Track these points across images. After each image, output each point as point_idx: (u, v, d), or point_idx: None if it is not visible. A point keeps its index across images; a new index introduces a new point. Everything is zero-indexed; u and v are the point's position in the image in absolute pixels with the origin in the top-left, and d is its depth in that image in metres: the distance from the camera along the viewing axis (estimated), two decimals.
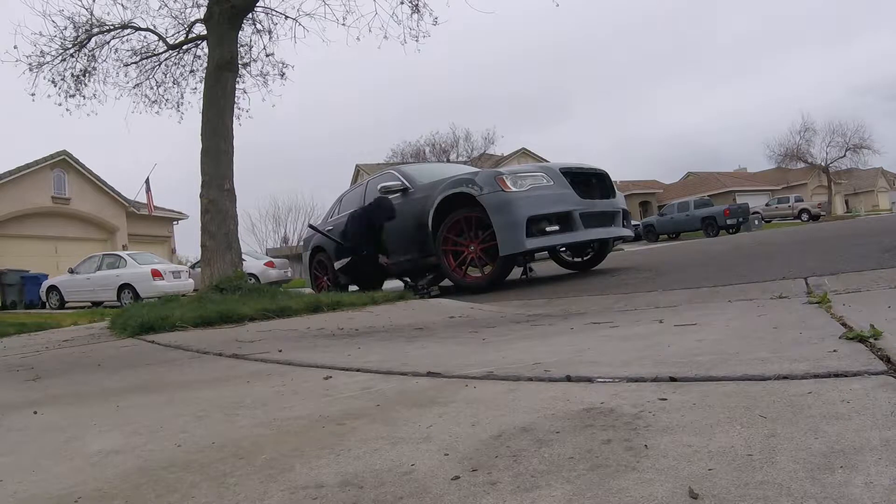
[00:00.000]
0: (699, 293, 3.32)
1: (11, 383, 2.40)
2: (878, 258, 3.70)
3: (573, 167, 5.77)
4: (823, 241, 6.51)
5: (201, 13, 8.42)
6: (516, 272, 6.34)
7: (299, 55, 34.24)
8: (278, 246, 42.75)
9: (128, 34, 9.19)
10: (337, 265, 6.94)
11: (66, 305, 16.01)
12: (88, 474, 1.08)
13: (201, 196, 6.62)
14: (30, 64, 8.90)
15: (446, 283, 6.88)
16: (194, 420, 1.42)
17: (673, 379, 1.31)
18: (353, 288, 7.59)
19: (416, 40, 8.90)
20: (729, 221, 26.28)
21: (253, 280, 12.31)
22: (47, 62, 8.95)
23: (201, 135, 6.77)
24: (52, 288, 16.34)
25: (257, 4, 8.06)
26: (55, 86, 9.07)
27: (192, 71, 9.78)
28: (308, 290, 7.38)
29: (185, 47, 9.43)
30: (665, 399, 1.16)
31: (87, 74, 9.19)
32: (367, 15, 11.62)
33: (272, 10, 9.49)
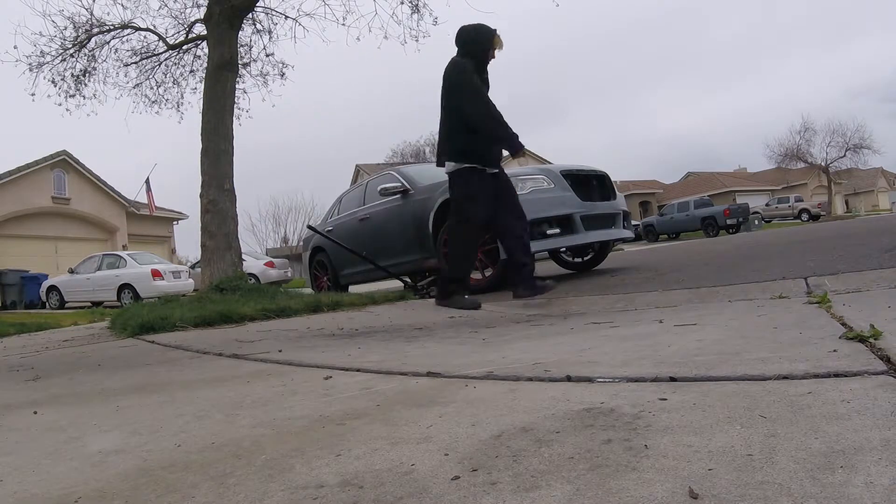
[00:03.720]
0: (699, 293, 3.32)
1: (11, 383, 2.40)
2: (878, 258, 3.70)
3: (573, 169, 5.77)
4: (823, 241, 6.51)
5: (201, 13, 8.43)
6: None
7: (299, 55, 34.25)
8: (278, 246, 42.76)
9: (128, 34, 9.21)
10: None
11: (66, 305, 16.01)
12: (88, 474, 1.08)
13: (201, 196, 6.62)
14: (30, 64, 8.93)
15: None
16: (194, 420, 1.43)
17: (673, 379, 1.31)
18: (353, 288, 7.59)
19: (416, 40, 8.92)
20: (729, 221, 26.28)
21: (253, 280, 12.31)
22: (47, 62, 8.97)
23: (201, 135, 6.77)
24: (52, 288, 16.34)
25: (257, 4, 8.07)
26: (55, 86, 9.10)
27: (192, 71, 9.80)
28: (308, 290, 7.38)
29: (185, 47, 9.44)
30: (665, 399, 1.16)
31: (87, 74, 9.20)
32: (367, 15, 11.63)
33: (272, 10, 9.51)
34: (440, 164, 4.12)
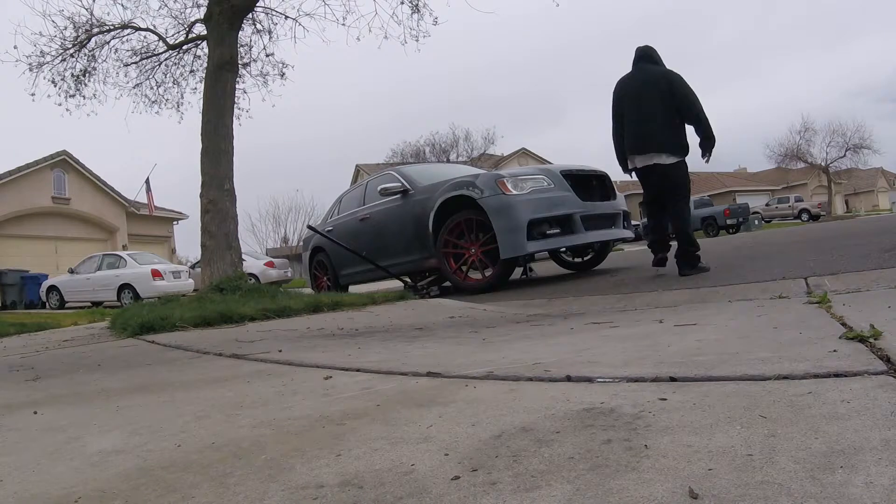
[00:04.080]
0: (699, 293, 3.32)
1: (11, 383, 2.41)
2: (878, 258, 3.70)
3: (574, 169, 5.77)
4: (823, 241, 6.51)
5: (201, 13, 8.43)
6: (516, 272, 6.35)
7: (299, 55, 34.27)
8: (278, 246, 42.74)
9: (128, 34, 9.20)
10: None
11: (66, 305, 16.00)
12: (88, 474, 1.08)
13: (201, 196, 6.62)
14: (30, 64, 8.92)
15: (446, 283, 6.88)
16: (194, 420, 1.43)
17: (673, 379, 1.31)
18: (353, 288, 7.59)
19: (417, 40, 8.92)
20: (729, 221, 26.27)
21: (253, 280, 12.30)
22: (47, 62, 8.97)
23: (201, 135, 6.77)
24: (52, 288, 16.34)
25: (257, 4, 8.07)
26: (55, 86, 9.09)
27: (192, 71, 9.80)
28: (308, 290, 7.38)
29: (185, 47, 9.44)
30: (665, 399, 1.16)
31: (87, 74, 9.20)
32: (367, 15, 11.66)
33: (272, 10, 9.51)
34: (647, 150, 4.53)
